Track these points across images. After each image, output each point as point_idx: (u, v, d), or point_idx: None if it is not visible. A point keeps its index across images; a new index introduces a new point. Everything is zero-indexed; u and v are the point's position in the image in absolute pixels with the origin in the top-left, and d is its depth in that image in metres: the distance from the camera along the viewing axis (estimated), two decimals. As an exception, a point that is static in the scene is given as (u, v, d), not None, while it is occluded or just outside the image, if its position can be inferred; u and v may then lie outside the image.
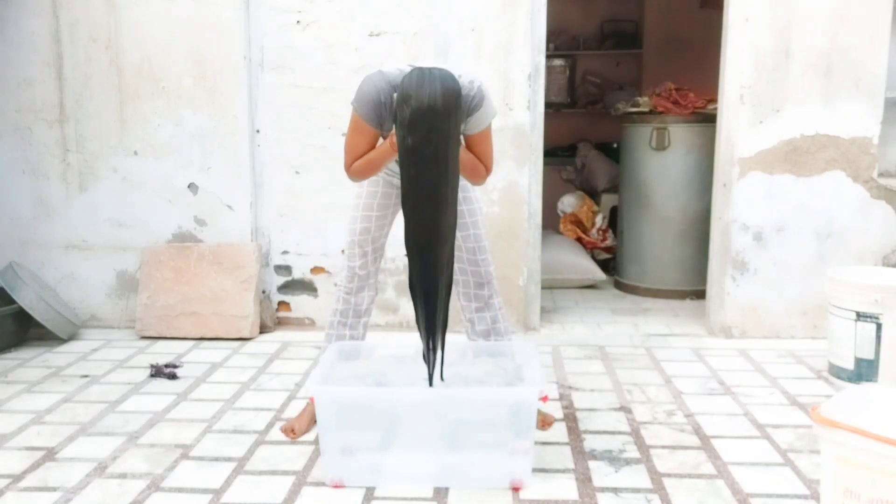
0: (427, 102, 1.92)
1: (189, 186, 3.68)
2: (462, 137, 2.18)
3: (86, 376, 3.10)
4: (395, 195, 2.42)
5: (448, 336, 2.23)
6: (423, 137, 1.94)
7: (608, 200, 5.34)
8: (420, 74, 1.98)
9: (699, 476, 2.21)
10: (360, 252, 2.47)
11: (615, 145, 5.55)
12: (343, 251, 2.53)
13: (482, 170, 2.26)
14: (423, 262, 2.05)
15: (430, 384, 2.15)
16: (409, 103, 1.93)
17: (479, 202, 2.47)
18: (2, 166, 3.73)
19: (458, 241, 2.35)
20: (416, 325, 2.14)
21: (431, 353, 2.13)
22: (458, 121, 2.02)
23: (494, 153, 2.33)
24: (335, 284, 3.25)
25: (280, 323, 3.81)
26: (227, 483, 2.18)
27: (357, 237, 2.46)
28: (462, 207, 2.37)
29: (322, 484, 2.16)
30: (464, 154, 2.18)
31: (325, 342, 2.55)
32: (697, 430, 2.52)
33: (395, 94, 2.07)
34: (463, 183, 2.39)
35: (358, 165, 2.21)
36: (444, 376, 2.18)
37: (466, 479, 2.13)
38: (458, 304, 2.51)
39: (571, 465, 2.27)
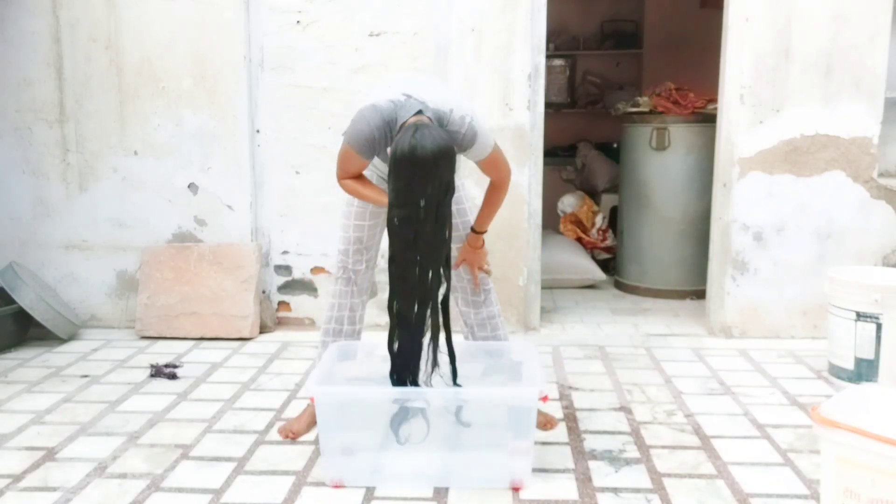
0: (418, 153, 1.95)
1: (189, 186, 3.68)
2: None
3: (86, 376, 3.10)
4: None
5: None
6: (412, 213, 1.99)
7: (608, 200, 5.34)
8: (412, 147, 1.97)
9: (699, 476, 2.21)
10: (353, 261, 2.47)
11: (615, 145, 5.56)
12: (338, 251, 2.53)
13: (499, 202, 2.34)
14: (405, 326, 2.10)
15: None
16: (401, 176, 1.98)
17: (473, 213, 2.45)
18: (2, 166, 3.73)
19: (454, 253, 2.37)
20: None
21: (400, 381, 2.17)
22: (451, 185, 2.04)
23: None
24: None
25: (280, 323, 3.81)
26: (227, 483, 2.18)
27: (351, 245, 2.46)
28: (456, 220, 2.37)
29: (322, 484, 2.16)
30: (485, 219, 2.32)
31: (321, 347, 2.55)
32: (697, 430, 2.52)
33: (388, 129, 2.11)
34: (456, 196, 2.41)
35: (349, 188, 2.26)
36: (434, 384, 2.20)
37: (466, 479, 2.13)
38: (456, 310, 2.51)
39: (571, 465, 2.27)
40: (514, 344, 2.51)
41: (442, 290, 2.12)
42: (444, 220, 2.05)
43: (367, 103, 2.17)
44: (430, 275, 2.06)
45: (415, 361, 2.14)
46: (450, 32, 3.50)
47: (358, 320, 2.54)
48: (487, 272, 2.46)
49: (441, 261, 2.08)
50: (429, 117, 2.08)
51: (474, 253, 2.42)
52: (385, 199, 2.12)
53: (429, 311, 2.10)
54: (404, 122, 2.06)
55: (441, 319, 2.14)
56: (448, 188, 2.02)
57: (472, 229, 2.40)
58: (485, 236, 2.44)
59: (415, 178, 1.97)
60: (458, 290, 2.49)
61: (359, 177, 2.25)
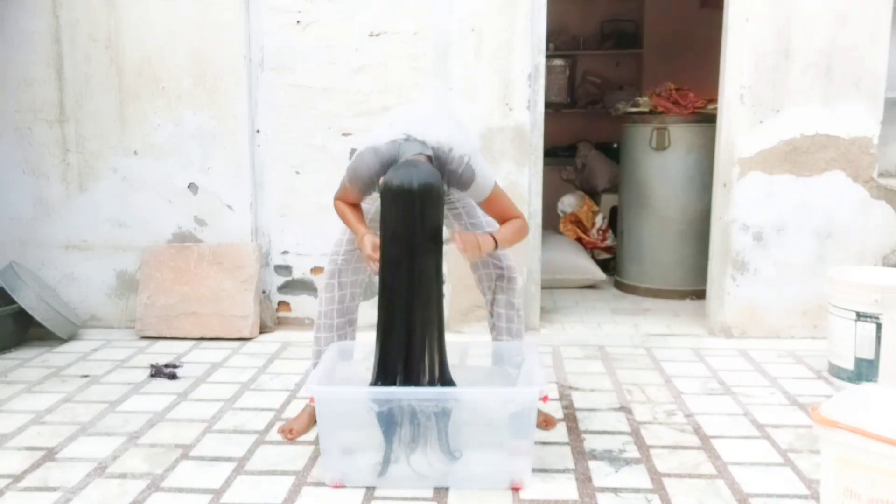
0: (405, 186, 1.99)
1: (189, 186, 3.68)
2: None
3: (86, 376, 3.10)
4: None
5: (447, 336, 2.23)
6: (399, 249, 2.03)
7: (608, 200, 5.34)
8: (399, 183, 2.01)
9: (699, 476, 2.21)
10: (343, 260, 2.49)
11: (615, 145, 5.55)
12: (329, 256, 2.53)
13: (519, 231, 2.30)
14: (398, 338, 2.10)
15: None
16: (388, 209, 2.03)
17: (486, 216, 2.43)
18: (2, 166, 3.73)
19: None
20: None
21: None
22: (438, 227, 2.08)
23: (495, 153, 2.34)
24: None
25: (280, 323, 3.81)
26: (227, 483, 2.18)
27: (343, 247, 2.48)
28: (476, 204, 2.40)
29: (322, 484, 2.16)
30: (503, 233, 2.27)
31: (314, 345, 2.54)
32: (697, 430, 2.52)
33: (384, 172, 2.13)
34: (469, 209, 2.45)
35: (339, 210, 2.32)
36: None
37: (466, 479, 2.13)
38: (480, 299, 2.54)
39: (571, 465, 2.27)
40: (515, 344, 2.51)
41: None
42: (431, 264, 2.08)
43: (368, 145, 2.23)
44: (416, 317, 2.08)
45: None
46: (450, 32, 3.50)
47: (347, 311, 2.52)
48: (466, 255, 2.29)
49: (431, 308, 2.10)
50: (428, 156, 2.14)
51: (475, 241, 2.22)
52: (360, 229, 2.23)
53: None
54: None
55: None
56: (436, 230, 2.07)
57: (493, 235, 2.28)
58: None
59: (399, 212, 2.02)
60: (482, 275, 2.51)
61: (353, 203, 2.33)
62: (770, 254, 3.51)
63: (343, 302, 2.51)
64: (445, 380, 2.17)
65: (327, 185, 3.58)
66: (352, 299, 2.53)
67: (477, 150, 2.26)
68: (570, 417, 2.63)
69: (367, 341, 2.56)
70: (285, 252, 3.76)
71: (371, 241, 2.20)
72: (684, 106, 4.28)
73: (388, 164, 2.14)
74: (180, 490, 2.15)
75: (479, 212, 2.45)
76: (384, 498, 2.08)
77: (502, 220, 2.30)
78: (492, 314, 2.54)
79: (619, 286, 4.59)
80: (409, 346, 2.09)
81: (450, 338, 2.30)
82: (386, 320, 2.10)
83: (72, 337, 3.61)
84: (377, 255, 2.13)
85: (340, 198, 2.32)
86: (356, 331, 2.57)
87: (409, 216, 2.02)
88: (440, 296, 2.15)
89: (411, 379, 2.09)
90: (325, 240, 3.65)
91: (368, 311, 2.68)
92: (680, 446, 2.40)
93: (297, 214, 3.70)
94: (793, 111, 3.41)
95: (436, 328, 2.13)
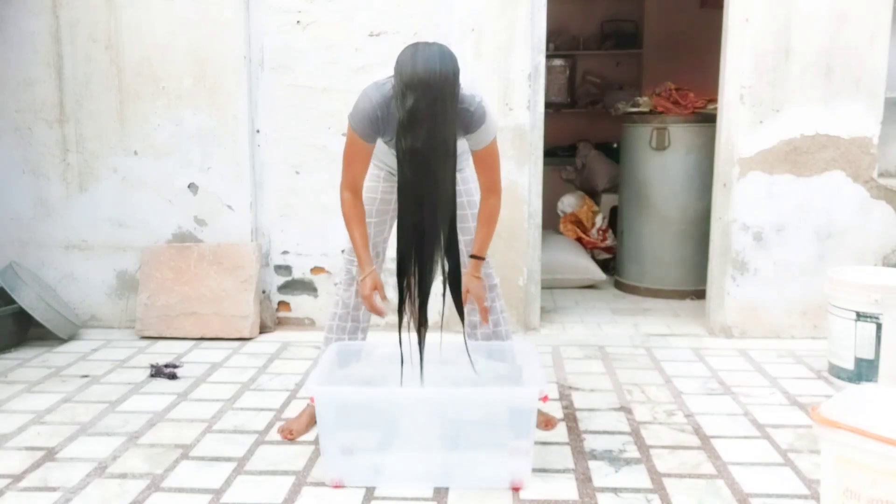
0: (421, 67, 1.92)
1: (189, 186, 3.68)
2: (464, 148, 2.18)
3: (86, 376, 3.10)
4: (394, 200, 2.40)
5: (448, 336, 2.23)
6: (416, 102, 1.92)
7: (608, 200, 5.34)
8: (415, 46, 1.98)
9: (699, 476, 2.21)
10: (358, 278, 2.47)
11: (615, 145, 5.56)
12: (343, 251, 2.53)
13: (492, 225, 2.29)
14: (418, 223, 2.03)
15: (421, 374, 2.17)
16: (404, 71, 1.94)
17: (477, 193, 2.43)
18: (2, 166, 3.73)
19: (461, 246, 2.35)
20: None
21: (423, 326, 2.13)
22: (456, 89, 2.00)
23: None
24: (335, 284, 3.25)
25: (280, 323, 3.81)
26: (227, 483, 2.18)
27: (356, 266, 2.45)
28: (467, 212, 2.38)
29: (322, 484, 2.16)
30: (482, 243, 2.27)
31: (324, 345, 2.55)
32: (697, 430, 2.52)
33: (389, 108, 2.08)
34: (468, 186, 2.40)
35: (344, 209, 2.26)
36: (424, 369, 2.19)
37: (466, 479, 2.13)
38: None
39: (571, 465, 2.27)
40: (514, 344, 2.51)
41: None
42: (449, 152, 2.01)
43: (370, 83, 2.17)
44: (447, 181, 2.02)
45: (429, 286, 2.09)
46: (450, 32, 3.50)
47: (362, 319, 2.54)
48: (485, 308, 2.39)
49: (454, 163, 2.04)
50: None
51: (478, 283, 2.34)
52: (364, 259, 2.20)
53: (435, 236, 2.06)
54: None
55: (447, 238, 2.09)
56: (453, 118, 1.99)
57: (473, 255, 2.33)
58: None
59: (417, 56, 1.94)
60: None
61: (358, 197, 2.27)
62: (770, 254, 3.51)
63: (359, 308, 2.51)
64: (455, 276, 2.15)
65: (327, 185, 3.59)
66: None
67: (485, 97, 2.21)
68: (570, 417, 2.63)
69: (367, 342, 2.57)
70: (285, 252, 3.76)
71: (372, 282, 2.19)
72: (684, 106, 4.28)
73: (391, 97, 2.06)
74: (180, 490, 2.15)
75: (473, 187, 2.43)
76: (384, 498, 2.08)
77: (485, 185, 2.27)
78: (475, 325, 2.52)
79: (619, 286, 4.59)
80: (425, 239, 2.04)
81: (448, 337, 2.31)
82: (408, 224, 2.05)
83: (72, 337, 3.61)
84: (376, 302, 2.14)
85: (348, 177, 2.23)
86: (366, 338, 2.58)
87: (430, 82, 1.92)
88: (453, 173, 2.08)
89: (424, 273, 2.06)
90: (325, 240, 3.68)
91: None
92: (680, 446, 2.40)
93: (297, 214, 3.70)
94: (793, 111, 3.41)
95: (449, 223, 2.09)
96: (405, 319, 2.12)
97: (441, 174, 2.00)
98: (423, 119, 1.93)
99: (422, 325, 2.13)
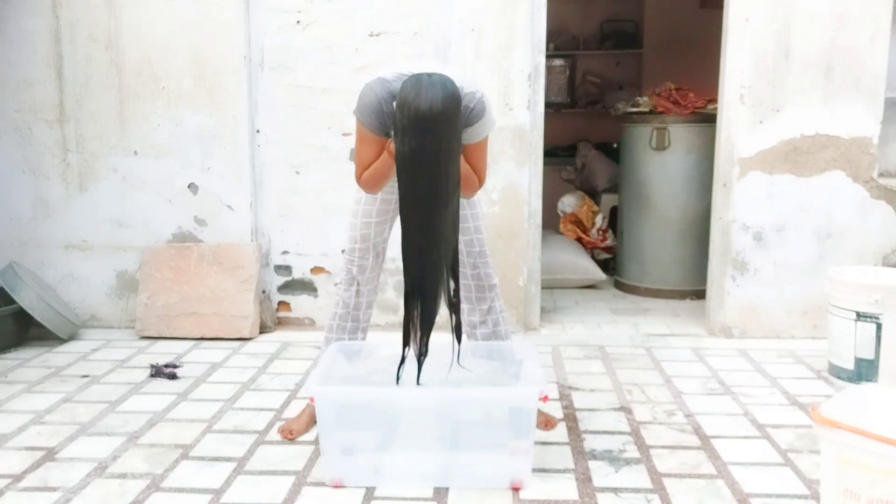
0: (425, 108, 1.90)
1: (189, 186, 3.69)
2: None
3: (86, 376, 3.10)
4: (395, 200, 2.40)
5: (447, 336, 2.23)
6: (419, 143, 1.92)
7: (608, 200, 5.34)
8: (418, 80, 1.96)
9: (699, 476, 2.21)
10: (359, 257, 2.46)
11: (615, 145, 5.56)
12: (343, 251, 2.53)
13: (475, 181, 2.24)
14: (421, 266, 2.04)
15: (418, 382, 2.16)
16: (407, 110, 1.92)
17: (481, 206, 2.46)
18: (2, 166, 3.74)
19: (461, 246, 2.34)
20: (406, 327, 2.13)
21: (423, 356, 2.13)
22: (459, 126, 2.01)
23: (494, 153, 2.32)
24: (335, 284, 3.25)
25: (280, 323, 3.81)
26: (227, 483, 2.18)
27: (357, 244, 2.45)
28: (466, 212, 2.37)
29: (322, 484, 2.16)
30: (462, 166, 2.16)
31: (324, 345, 2.55)
32: (697, 430, 2.52)
33: (395, 102, 2.06)
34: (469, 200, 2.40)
35: (367, 177, 2.20)
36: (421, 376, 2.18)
37: (466, 479, 2.13)
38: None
39: (571, 465, 2.27)
40: (515, 344, 2.51)
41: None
42: (457, 147, 1.99)
43: (373, 77, 2.16)
44: (447, 212, 2.01)
45: (436, 308, 2.09)
46: (450, 32, 3.50)
47: (362, 319, 2.54)
48: None
49: (456, 194, 2.03)
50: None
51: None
52: (392, 154, 2.08)
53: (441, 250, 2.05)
54: None
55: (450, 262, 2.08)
56: (457, 108, 1.97)
57: None
58: (486, 241, 2.46)
59: (420, 94, 1.92)
60: (461, 288, 2.46)
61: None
62: (770, 254, 3.51)
63: (359, 309, 2.51)
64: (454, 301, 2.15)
65: (327, 185, 3.59)
66: (367, 307, 2.54)
67: (484, 91, 2.20)
68: (570, 417, 2.63)
69: (368, 342, 2.57)
70: (285, 252, 3.76)
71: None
72: (684, 106, 4.28)
73: (395, 93, 2.05)
74: (180, 490, 2.15)
75: (480, 212, 2.44)
76: (384, 498, 2.08)
77: (476, 176, 2.24)
78: (475, 325, 2.53)
79: (619, 286, 4.59)
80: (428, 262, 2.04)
81: (449, 338, 2.30)
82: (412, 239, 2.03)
83: (72, 337, 3.61)
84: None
85: (361, 170, 2.21)
86: (366, 338, 2.58)
87: (431, 120, 1.91)
88: (457, 203, 2.07)
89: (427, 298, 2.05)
90: (326, 240, 3.68)
91: (373, 311, 2.69)
92: (680, 446, 2.40)
93: (297, 214, 3.70)
94: (793, 111, 3.41)
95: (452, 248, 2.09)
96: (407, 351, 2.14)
97: (444, 214, 2.00)
98: (425, 161, 1.94)
99: (423, 354, 2.14)
